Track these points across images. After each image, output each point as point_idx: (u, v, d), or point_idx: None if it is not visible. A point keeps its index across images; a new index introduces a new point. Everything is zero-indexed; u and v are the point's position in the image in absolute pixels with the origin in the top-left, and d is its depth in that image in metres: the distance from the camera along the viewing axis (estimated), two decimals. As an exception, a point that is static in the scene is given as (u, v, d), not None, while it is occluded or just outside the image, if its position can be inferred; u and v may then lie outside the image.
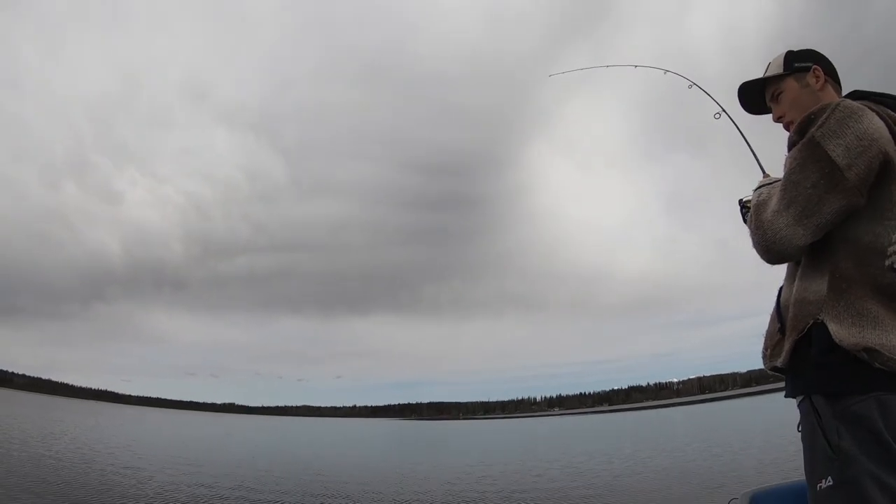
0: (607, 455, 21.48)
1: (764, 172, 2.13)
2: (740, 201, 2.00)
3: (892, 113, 1.68)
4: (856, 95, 1.78)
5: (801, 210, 1.58)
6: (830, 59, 1.97)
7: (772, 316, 1.83)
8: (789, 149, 1.69)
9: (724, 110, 2.48)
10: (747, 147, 2.32)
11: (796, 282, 1.71)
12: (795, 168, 1.61)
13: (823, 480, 1.51)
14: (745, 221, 1.96)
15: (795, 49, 2.00)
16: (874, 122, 1.59)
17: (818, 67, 1.92)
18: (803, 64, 1.95)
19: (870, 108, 1.64)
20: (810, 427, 1.58)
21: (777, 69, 2.00)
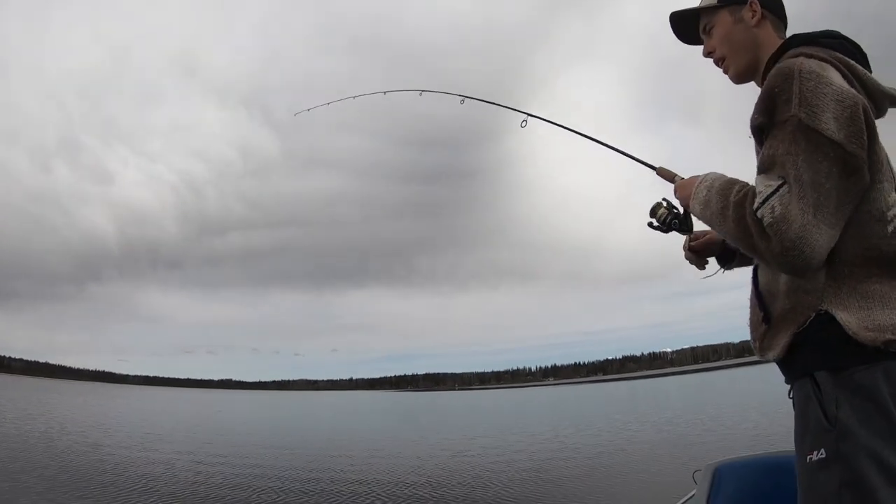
0: (585, 427, 21.44)
1: (655, 168, 1.96)
2: (650, 224, 1.88)
3: (840, 56, 1.50)
4: (797, 41, 1.59)
5: (830, 210, 1.35)
6: None
7: (752, 303, 1.63)
8: (755, 134, 1.51)
9: (530, 115, 2.44)
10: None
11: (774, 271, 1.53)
12: (802, 166, 1.36)
13: (815, 452, 1.36)
14: (670, 232, 1.86)
15: None
16: (836, 75, 1.42)
17: (755, 1, 1.70)
18: None
19: (821, 57, 1.46)
20: (804, 396, 1.43)
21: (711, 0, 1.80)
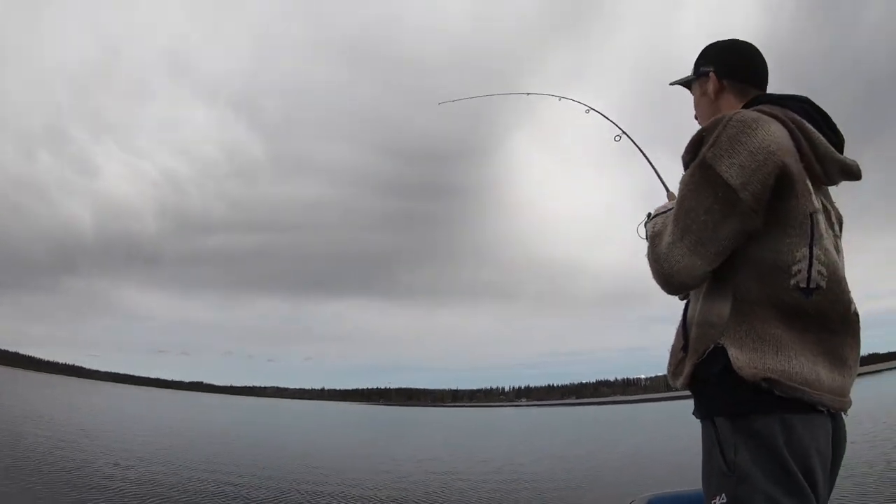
0: (540, 451, 21.40)
1: (668, 190, 2.12)
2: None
3: (797, 118, 1.57)
4: (760, 101, 1.70)
5: (697, 239, 1.49)
6: (750, 56, 1.84)
7: (677, 331, 1.72)
8: (684, 168, 1.60)
9: (624, 132, 2.51)
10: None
11: (700, 302, 1.62)
12: (688, 194, 1.52)
13: (717, 497, 1.45)
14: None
15: (710, 45, 1.89)
16: (770, 133, 1.49)
17: (712, 73, 1.82)
18: (704, 68, 1.86)
19: (773, 114, 1.55)
20: (709, 442, 1.52)
21: (689, 72, 1.93)
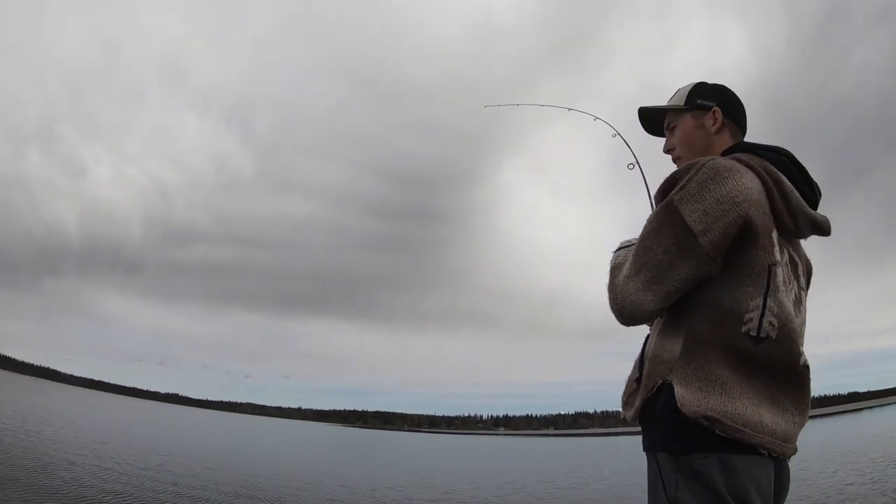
0: (513, 482, 21.11)
1: None
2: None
3: (772, 169, 1.62)
4: (742, 147, 1.74)
5: (651, 276, 1.54)
6: (742, 103, 1.90)
7: (635, 363, 1.78)
8: (654, 207, 1.65)
9: (637, 164, 2.49)
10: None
11: (655, 337, 1.68)
12: (650, 233, 1.57)
13: None
14: None
15: (706, 83, 1.93)
16: (741, 183, 1.53)
17: (718, 109, 1.85)
18: (705, 102, 1.87)
19: (749, 164, 1.59)
20: (653, 476, 1.56)
21: (679, 101, 1.93)
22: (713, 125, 1.84)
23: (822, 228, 1.72)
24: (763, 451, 1.50)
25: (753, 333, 1.52)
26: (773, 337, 1.53)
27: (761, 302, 1.53)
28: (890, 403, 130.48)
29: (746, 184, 1.53)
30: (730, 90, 1.91)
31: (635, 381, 1.71)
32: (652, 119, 2.04)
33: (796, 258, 1.71)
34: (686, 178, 1.54)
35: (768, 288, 1.54)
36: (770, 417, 1.53)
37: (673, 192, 1.55)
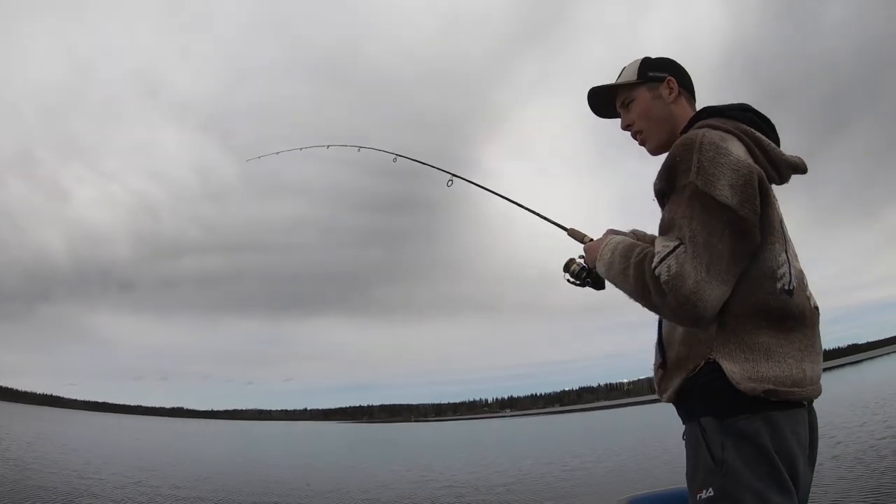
0: (521, 458, 21.17)
1: (566, 229, 2.18)
2: (568, 279, 2.01)
3: (745, 127, 1.66)
4: (708, 112, 1.76)
5: (722, 268, 1.50)
6: (689, 73, 1.95)
7: (656, 349, 1.80)
8: (658, 197, 1.66)
9: (455, 175, 2.70)
10: None
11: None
12: (697, 228, 1.50)
13: (704, 491, 1.50)
14: (584, 287, 2.00)
15: (652, 57, 1.96)
16: (737, 146, 1.57)
17: (672, 79, 1.89)
18: (657, 74, 1.91)
19: (726, 129, 1.62)
20: (695, 440, 1.57)
21: (630, 76, 1.95)
22: (670, 94, 1.88)
23: (801, 168, 1.77)
24: (805, 403, 1.57)
25: (787, 287, 1.58)
26: (797, 286, 1.60)
27: (786, 256, 1.60)
28: (890, 353, 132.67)
29: (741, 147, 1.59)
30: (677, 63, 1.95)
31: (660, 367, 1.73)
32: (602, 101, 2.04)
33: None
34: (693, 159, 1.54)
35: (786, 241, 1.62)
36: (811, 367, 1.59)
37: (690, 177, 1.53)
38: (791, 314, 1.58)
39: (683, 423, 1.68)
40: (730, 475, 1.47)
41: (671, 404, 1.73)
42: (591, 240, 2.03)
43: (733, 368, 1.52)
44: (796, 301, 1.60)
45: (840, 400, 23.17)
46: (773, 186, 1.68)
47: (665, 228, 1.58)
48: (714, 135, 1.58)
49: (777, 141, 1.76)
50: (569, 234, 2.17)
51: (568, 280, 2.01)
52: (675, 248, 1.53)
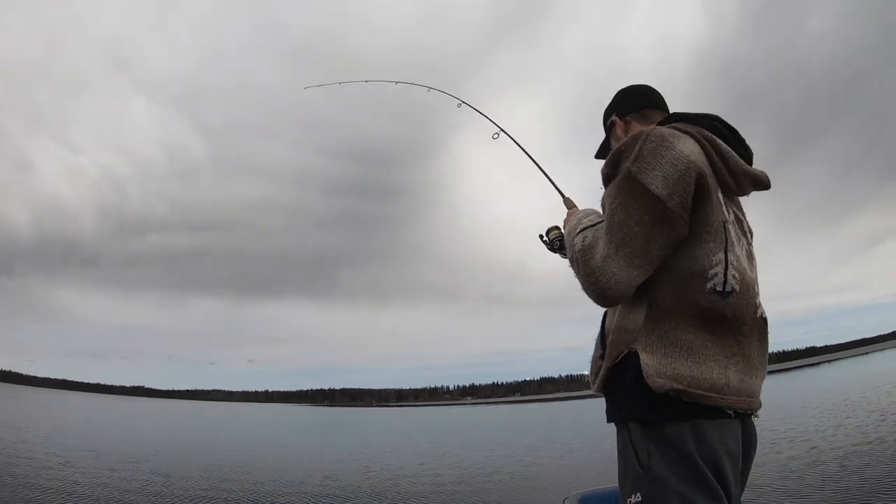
0: (483, 448, 20.95)
1: (564, 196, 2.25)
2: (541, 236, 2.11)
3: (707, 133, 1.67)
4: (672, 119, 1.79)
5: (632, 250, 1.54)
6: (642, 87, 2.03)
7: (596, 341, 1.82)
8: (605, 183, 1.69)
9: (502, 130, 2.63)
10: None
11: (618, 309, 1.69)
12: (617, 208, 1.57)
13: (633, 496, 1.53)
14: (554, 252, 2.07)
15: (606, 107, 2.07)
16: (686, 144, 1.59)
17: (616, 118, 2.00)
18: (607, 122, 2.06)
19: (685, 130, 1.65)
20: (623, 444, 1.60)
21: (605, 134, 2.11)
22: (622, 131, 1.98)
23: (763, 182, 1.78)
24: (730, 412, 1.55)
25: (720, 288, 1.56)
26: (738, 290, 1.58)
27: (723, 257, 1.57)
28: (846, 357, 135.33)
29: (690, 146, 1.59)
30: (622, 91, 2.05)
31: (599, 358, 1.73)
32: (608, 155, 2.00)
33: (741, 216, 1.77)
34: (635, 148, 1.57)
35: (727, 242, 1.59)
36: (737, 376, 1.57)
37: (627, 163, 1.57)
38: (723, 317, 1.57)
39: (609, 421, 1.70)
40: (656, 481, 1.48)
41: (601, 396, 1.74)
42: (575, 210, 2.09)
43: (649, 361, 1.53)
44: (732, 305, 1.58)
45: (792, 401, 23.46)
46: (730, 196, 1.73)
47: (601, 208, 1.67)
48: (664, 130, 1.61)
49: (745, 151, 1.77)
50: (564, 201, 2.24)
51: (541, 238, 2.09)
52: (598, 223, 1.67)
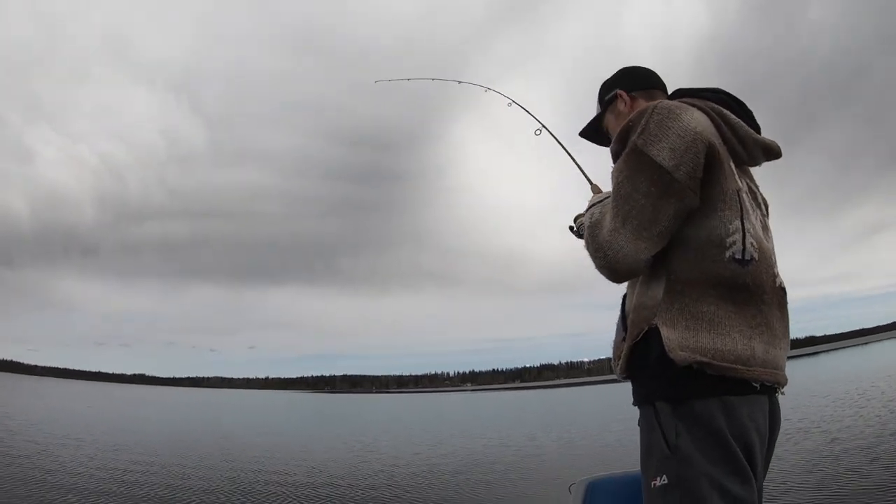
0: (484, 436, 20.62)
1: (591, 183, 2.18)
2: (570, 227, 2.00)
3: (715, 105, 1.67)
4: (677, 94, 1.78)
5: (639, 223, 1.52)
6: (647, 69, 2.01)
7: (617, 325, 1.79)
8: (614, 160, 1.67)
9: (544, 126, 2.62)
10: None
11: (637, 287, 1.66)
12: (623, 181, 1.56)
13: (658, 479, 1.47)
14: (575, 235, 1.96)
15: (606, 79, 2.05)
16: (694, 116, 1.57)
17: (621, 91, 1.96)
18: (609, 95, 2.01)
19: (691, 103, 1.63)
20: (649, 425, 1.54)
21: (596, 110, 2.07)
22: (625, 106, 1.94)
23: (774, 151, 1.76)
24: (756, 385, 1.50)
25: (739, 256, 1.52)
26: (756, 258, 1.54)
27: (740, 224, 1.54)
28: (845, 347, 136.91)
29: (698, 116, 1.57)
30: (626, 69, 2.02)
31: (622, 342, 1.69)
32: (595, 135, 2.12)
33: (753, 187, 1.75)
34: (642, 122, 1.56)
35: (742, 210, 1.56)
36: (762, 346, 1.53)
37: (634, 137, 1.56)
38: (744, 285, 1.53)
39: (637, 406, 1.63)
40: (684, 461, 1.42)
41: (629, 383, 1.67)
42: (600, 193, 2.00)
43: (670, 335, 1.49)
44: (752, 273, 1.54)
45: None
46: (742, 167, 1.70)
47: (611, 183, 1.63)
48: (671, 103, 1.60)
49: (753, 123, 1.74)
50: (592, 188, 2.16)
51: (571, 229, 1.99)
52: (606, 198, 1.68)
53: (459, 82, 3.55)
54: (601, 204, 1.72)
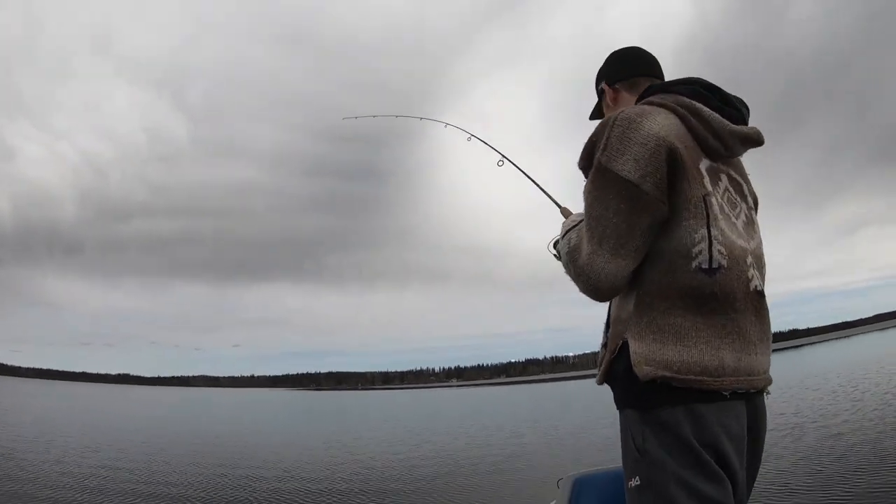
0: (460, 430, 20.97)
1: (560, 207, 2.21)
2: (549, 250, 1.98)
3: (686, 100, 1.62)
4: (651, 91, 1.75)
5: (616, 241, 1.51)
6: (632, 51, 1.98)
7: (603, 331, 1.78)
8: (584, 174, 1.65)
9: (505, 158, 2.73)
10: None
11: (617, 300, 1.67)
12: (593, 202, 1.56)
13: (632, 479, 1.51)
14: (557, 258, 1.93)
15: (598, 70, 2.02)
16: (657, 121, 1.54)
17: (605, 86, 1.96)
18: (597, 89, 2.03)
19: (661, 104, 1.61)
20: (622, 427, 1.60)
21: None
22: (610, 98, 1.94)
23: (753, 139, 1.71)
24: (726, 394, 1.48)
25: (705, 266, 1.50)
26: (726, 266, 1.51)
27: (706, 233, 1.51)
28: (828, 340, 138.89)
29: (662, 121, 1.53)
30: (611, 56, 1.98)
31: (602, 347, 1.72)
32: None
33: (738, 179, 1.70)
34: (604, 137, 1.55)
35: (708, 217, 1.51)
36: (733, 356, 1.51)
37: (597, 154, 1.55)
38: (712, 295, 1.50)
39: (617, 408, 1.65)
40: (653, 464, 1.45)
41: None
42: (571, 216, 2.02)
43: (637, 349, 1.51)
44: (721, 282, 1.50)
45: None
46: (724, 160, 1.67)
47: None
48: (631, 111, 1.57)
49: (736, 111, 1.68)
50: (561, 211, 2.18)
51: (553, 255, 1.94)
52: (579, 222, 1.66)
53: (421, 119, 3.74)
54: (576, 229, 1.70)
